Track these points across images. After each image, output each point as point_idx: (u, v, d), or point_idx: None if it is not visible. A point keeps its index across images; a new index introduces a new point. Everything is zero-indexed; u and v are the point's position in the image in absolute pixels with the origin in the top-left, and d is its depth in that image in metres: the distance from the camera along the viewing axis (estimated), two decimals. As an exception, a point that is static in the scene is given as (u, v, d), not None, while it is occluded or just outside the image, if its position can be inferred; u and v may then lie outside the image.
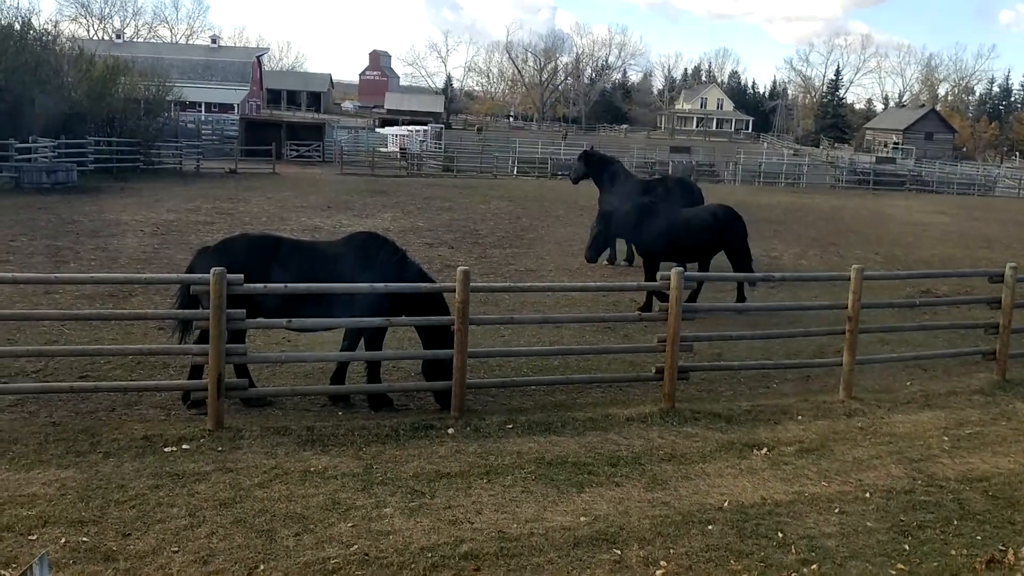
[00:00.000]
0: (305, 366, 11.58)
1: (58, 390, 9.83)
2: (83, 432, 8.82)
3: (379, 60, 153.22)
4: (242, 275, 9.07)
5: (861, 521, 7.67)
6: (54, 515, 7.02)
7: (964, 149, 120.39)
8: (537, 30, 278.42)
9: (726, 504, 7.85)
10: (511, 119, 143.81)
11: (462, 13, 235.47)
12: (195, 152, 47.54)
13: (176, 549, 6.60)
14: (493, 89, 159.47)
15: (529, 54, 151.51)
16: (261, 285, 9.26)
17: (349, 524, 7.11)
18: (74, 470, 7.90)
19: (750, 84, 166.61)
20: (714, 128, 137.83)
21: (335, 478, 7.97)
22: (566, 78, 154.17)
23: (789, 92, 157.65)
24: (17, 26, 41.17)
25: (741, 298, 16.61)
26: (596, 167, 22.34)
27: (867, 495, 8.23)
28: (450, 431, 9.28)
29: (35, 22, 54.07)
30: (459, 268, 9.71)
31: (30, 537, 6.66)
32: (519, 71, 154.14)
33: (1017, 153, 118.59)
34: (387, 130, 77.86)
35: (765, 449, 9.24)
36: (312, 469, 8.14)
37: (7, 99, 36.41)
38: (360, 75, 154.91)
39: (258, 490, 7.66)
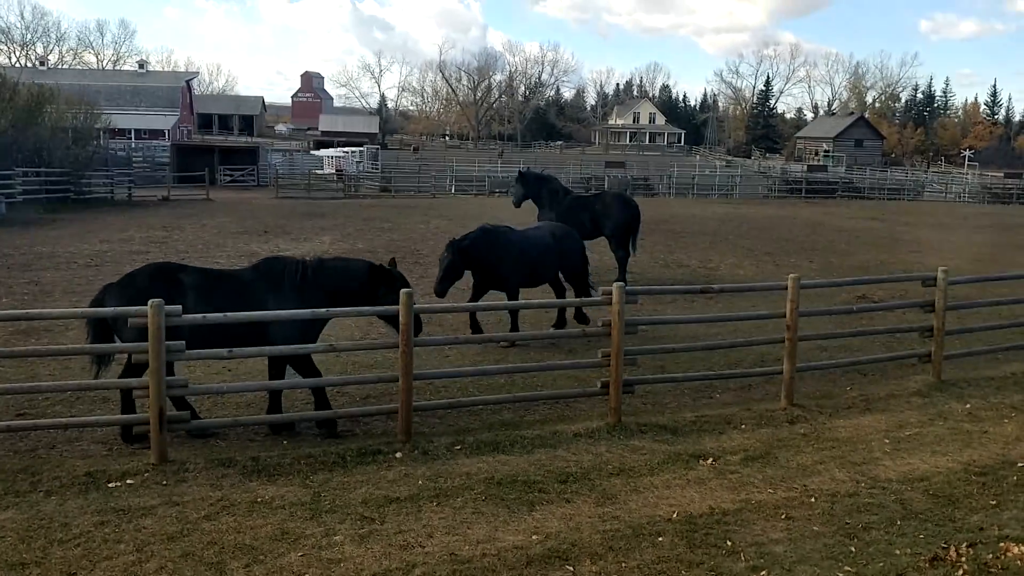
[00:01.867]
0: (247, 395, 11.45)
1: (-6, 429, 9.60)
2: (22, 471, 8.63)
3: (311, 82, 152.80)
4: (180, 307, 8.98)
5: (807, 526, 7.78)
6: (-5, 558, 6.86)
7: (893, 155, 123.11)
8: (469, 48, 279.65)
9: (675, 515, 7.92)
10: (447, 138, 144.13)
11: (393, 33, 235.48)
12: (126, 180, 46.76)
13: (123, 587, 6.49)
14: (428, 108, 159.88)
15: (462, 73, 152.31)
16: (200, 316, 9.17)
17: (299, 553, 7.05)
18: (14, 511, 7.73)
19: (681, 98, 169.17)
20: (647, 142, 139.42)
21: (283, 508, 7.90)
22: (500, 96, 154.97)
23: (720, 104, 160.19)
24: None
25: (560, 323, 15.96)
26: (534, 186, 22.28)
27: (812, 500, 8.35)
28: (398, 455, 9.25)
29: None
30: (402, 290, 9.70)
31: (-30, 582, 6.51)
32: (453, 90, 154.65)
33: (943, 158, 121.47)
34: (323, 152, 77.55)
35: (711, 459, 9.34)
36: (259, 499, 8.05)
37: (-75, 131, 35.49)
38: (293, 97, 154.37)
39: (206, 523, 7.56)
